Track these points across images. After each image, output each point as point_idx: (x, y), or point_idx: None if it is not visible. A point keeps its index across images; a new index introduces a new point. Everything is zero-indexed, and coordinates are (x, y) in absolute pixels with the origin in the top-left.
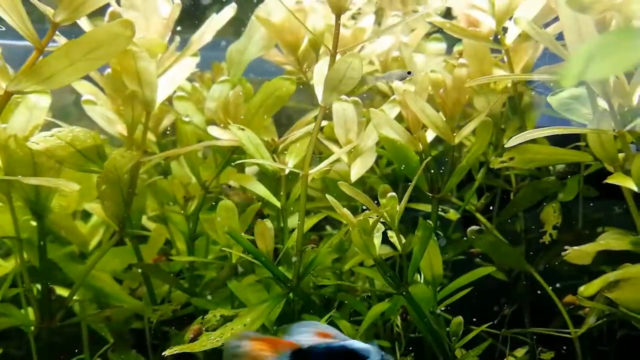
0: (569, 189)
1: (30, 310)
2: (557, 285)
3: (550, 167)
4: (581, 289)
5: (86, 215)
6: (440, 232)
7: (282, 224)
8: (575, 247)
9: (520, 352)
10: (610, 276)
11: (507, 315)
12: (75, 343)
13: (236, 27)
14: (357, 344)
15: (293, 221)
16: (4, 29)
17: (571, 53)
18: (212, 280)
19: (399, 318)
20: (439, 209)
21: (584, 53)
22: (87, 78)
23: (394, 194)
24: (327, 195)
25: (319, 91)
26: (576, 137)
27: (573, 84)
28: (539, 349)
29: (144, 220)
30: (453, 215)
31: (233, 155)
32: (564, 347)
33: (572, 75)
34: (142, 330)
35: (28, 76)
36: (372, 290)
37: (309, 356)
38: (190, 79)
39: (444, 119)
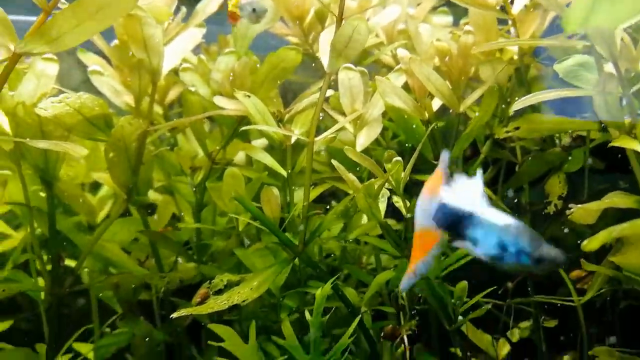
0: (574, 160)
1: (40, 279)
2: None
3: (556, 141)
4: (584, 242)
5: (94, 189)
6: None
7: (287, 195)
8: (579, 205)
9: (524, 324)
10: (614, 230)
11: (510, 288)
12: (84, 316)
13: None
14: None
15: (298, 195)
16: None
17: None
18: (218, 252)
19: None
20: None
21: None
22: (97, 53)
23: (399, 158)
24: (333, 161)
25: (324, 59)
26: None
27: (575, 29)
28: (542, 317)
29: (150, 193)
30: None
31: (239, 127)
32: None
33: (575, 20)
34: (150, 302)
35: (36, 37)
36: (377, 252)
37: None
38: (196, 52)
39: (450, 87)
